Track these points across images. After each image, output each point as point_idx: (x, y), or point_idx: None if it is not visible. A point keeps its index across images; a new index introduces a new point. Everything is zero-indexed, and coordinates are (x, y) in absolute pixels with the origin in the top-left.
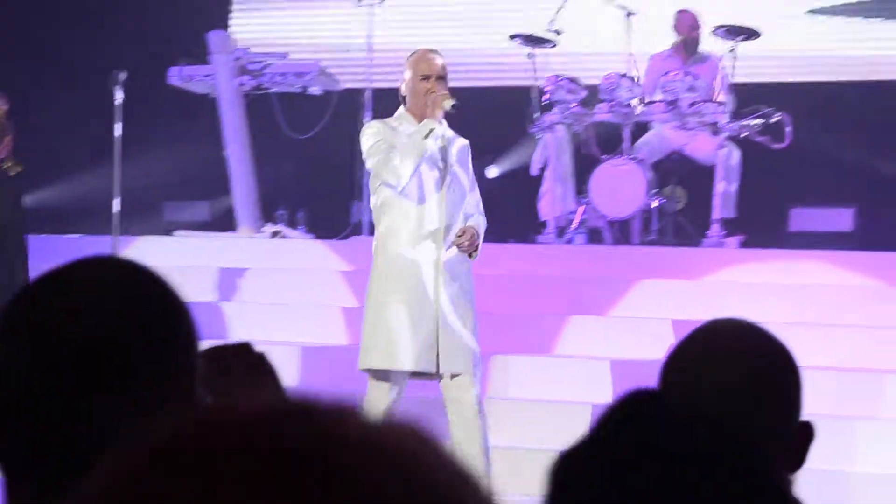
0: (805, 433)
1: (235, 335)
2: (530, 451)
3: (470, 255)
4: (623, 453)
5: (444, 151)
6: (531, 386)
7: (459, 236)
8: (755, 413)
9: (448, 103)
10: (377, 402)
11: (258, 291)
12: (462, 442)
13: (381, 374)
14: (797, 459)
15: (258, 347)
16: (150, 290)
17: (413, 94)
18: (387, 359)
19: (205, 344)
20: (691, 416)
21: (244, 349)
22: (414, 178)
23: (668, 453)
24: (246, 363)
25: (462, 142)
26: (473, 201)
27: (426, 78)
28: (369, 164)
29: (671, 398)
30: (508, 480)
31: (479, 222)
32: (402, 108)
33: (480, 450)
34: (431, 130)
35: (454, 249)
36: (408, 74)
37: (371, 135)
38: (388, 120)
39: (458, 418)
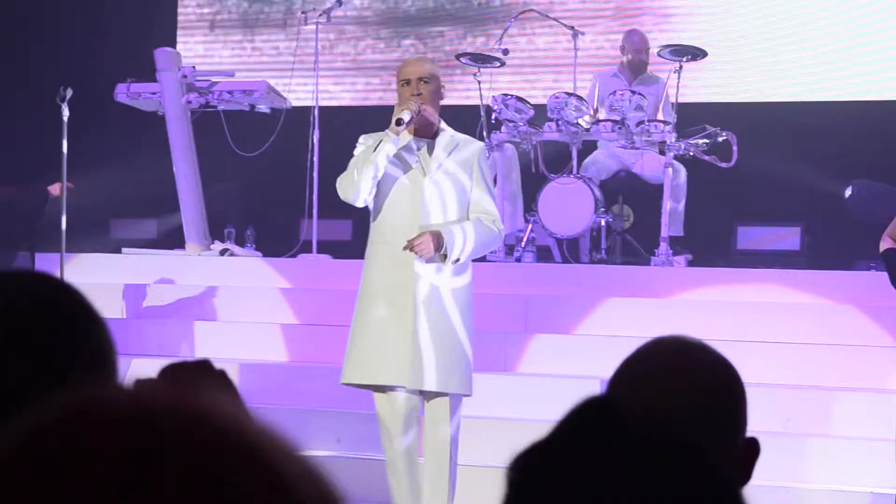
0: (751, 449)
1: (180, 352)
2: (486, 468)
3: (444, 260)
4: (577, 456)
5: (425, 161)
6: (486, 404)
7: (411, 244)
8: (699, 429)
9: (406, 114)
10: (384, 415)
11: (200, 309)
12: (427, 464)
13: (378, 389)
14: (743, 475)
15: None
16: (58, 301)
17: (399, 100)
18: (363, 374)
19: (164, 361)
20: (642, 419)
21: (206, 366)
22: (366, 193)
23: (621, 455)
24: (210, 379)
25: (470, 148)
26: (478, 208)
27: (406, 83)
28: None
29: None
30: (471, 499)
31: (467, 225)
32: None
33: (444, 472)
34: (380, 142)
35: (427, 260)
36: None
37: (361, 144)
38: (387, 130)
39: (430, 440)
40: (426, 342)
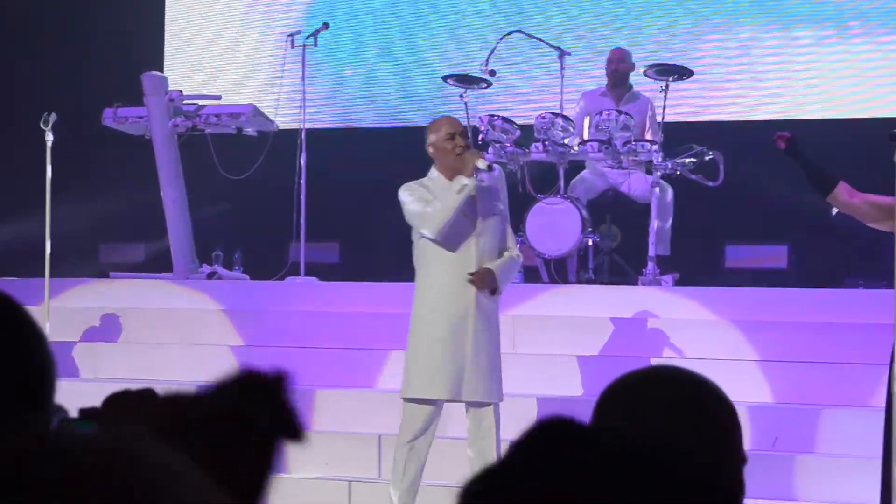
0: (737, 477)
1: (168, 376)
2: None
3: (493, 293)
4: (531, 477)
5: (475, 204)
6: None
7: (471, 275)
8: (690, 454)
9: (482, 163)
10: (417, 421)
11: (188, 333)
12: (476, 456)
13: (419, 402)
14: (735, 499)
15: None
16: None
17: (441, 153)
18: (430, 390)
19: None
20: (596, 435)
21: (149, 394)
22: (448, 228)
23: (576, 473)
24: (155, 408)
25: (494, 176)
26: (507, 243)
27: (452, 136)
28: (409, 217)
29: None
30: None
31: (505, 260)
32: (433, 168)
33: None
34: (464, 186)
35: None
36: (433, 136)
37: (409, 192)
38: (422, 180)
39: (474, 438)
40: (477, 359)
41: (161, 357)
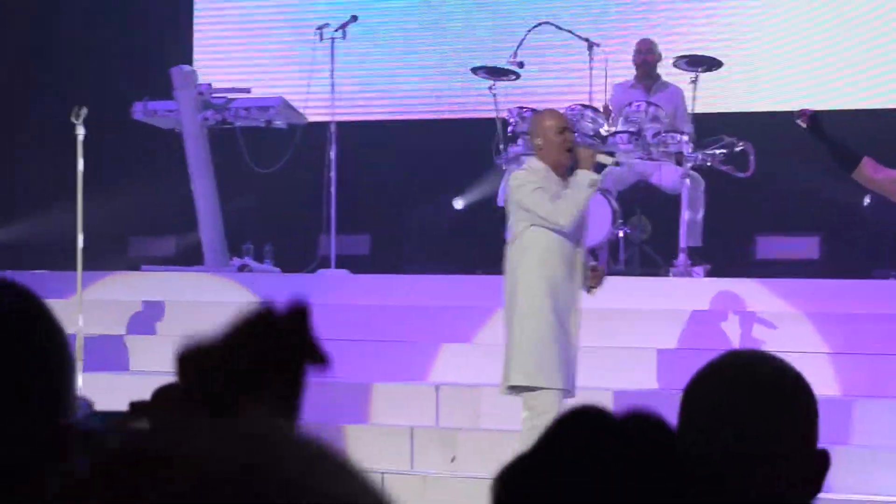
0: (820, 462)
1: None
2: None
3: (589, 291)
4: (564, 466)
5: None
6: (494, 416)
7: (595, 274)
8: (771, 441)
9: (610, 160)
10: (549, 417)
11: (219, 326)
12: None
13: (557, 391)
14: (813, 487)
15: None
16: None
17: (550, 145)
18: (564, 379)
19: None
20: (629, 425)
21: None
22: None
23: (607, 463)
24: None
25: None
26: None
27: (562, 131)
28: (535, 207)
29: (691, 426)
30: None
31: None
32: (536, 161)
33: None
34: (594, 181)
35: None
36: (541, 129)
37: (532, 183)
38: (528, 170)
39: None
40: (578, 353)
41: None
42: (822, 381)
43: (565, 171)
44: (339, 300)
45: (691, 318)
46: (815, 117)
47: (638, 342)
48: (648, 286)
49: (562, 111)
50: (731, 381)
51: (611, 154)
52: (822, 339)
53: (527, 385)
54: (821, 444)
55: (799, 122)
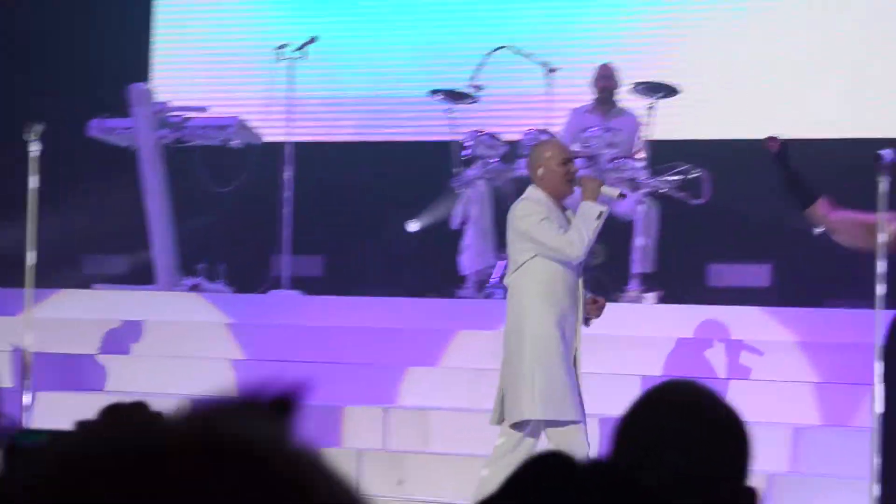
0: (748, 498)
1: (149, 388)
2: None
3: (587, 322)
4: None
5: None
6: (444, 439)
7: (597, 305)
8: (713, 467)
9: (613, 191)
10: (560, 445)
11: (170, 345)
12: None
13: (567, 424)
14: None
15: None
16: None
17: (552, 176)
18: (577, 411)
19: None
20: (589, 470)
21: (142, 407)
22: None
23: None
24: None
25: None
26: None
27: (566, 162)
28: (545, 240)
29: (624, 456)
30: None
31: None
32: (536, 191)
33: None
34: (601, 213)
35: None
36: (543, 159)
37: (537, 213)
38: (531, 201)
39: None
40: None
41: (145, 368)
42: (770, 409)
43: (563, 201)
44: (289, 321)
45: (642, 344)
46: (784, 145)
47: (587, 367)
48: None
49: (520, 136)
50: (678, 407)
51: (617, 190)
52: (772, 367)
53: (542, 419)
54: (768, 472)
55: (768, 147)
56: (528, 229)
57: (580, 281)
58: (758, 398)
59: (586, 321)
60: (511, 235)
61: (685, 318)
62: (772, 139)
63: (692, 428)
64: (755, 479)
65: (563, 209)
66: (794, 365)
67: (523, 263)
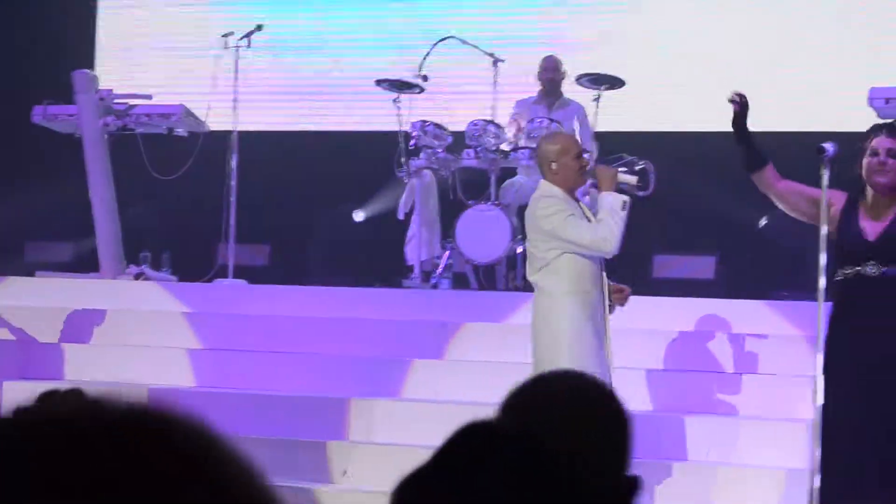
0: (631, 485)
1: (92, 377)
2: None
3: (611, 309)
4: (456, 479)
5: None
6: (389, 429)
7: (623, 294)
8: (581, 456)
9: (632, 179)
10: None
11: (114, 333)
12: None
13: None
14: (624, 500)
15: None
16: None
17: (567, 170)
18: None
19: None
20: (517, 440)
21: (77, 393)
22: None
23: (497, 476)
24: None
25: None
26: None
27: (579, 156)
28: (576, 238)
29: (534, 426)
30: None
31: None
32: (551, 186)
33: None
34: (625, 202)
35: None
36: (556, 154)
37: (561, 211)
38: (548, 196)
39: None
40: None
41: (88, 357)
42: (712, 400)
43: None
44: (233, 310)
45: None
46: (746, 105)
47: (531, 358)
48: None
49: (466, 127)
50: (545, 399)
51: (633, 173)
52: (716, 359)
53: None
54: (712, 463)
55: (734, 103)
56: (554, 229)
57: (604, 273)
58: (701, 390)
59: (610, 308)
60: (532, 234)
61: (629, 309)
62: (739, 95)
63: (577, 415)
64: (699, 469)
65: (577, 200)
66: (737, 356)
67: (552, 259)
